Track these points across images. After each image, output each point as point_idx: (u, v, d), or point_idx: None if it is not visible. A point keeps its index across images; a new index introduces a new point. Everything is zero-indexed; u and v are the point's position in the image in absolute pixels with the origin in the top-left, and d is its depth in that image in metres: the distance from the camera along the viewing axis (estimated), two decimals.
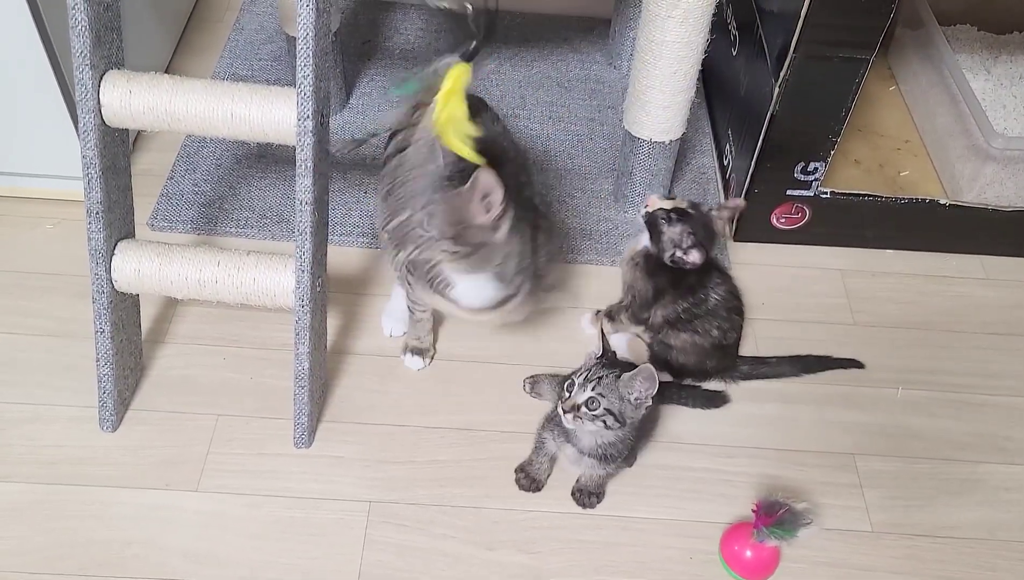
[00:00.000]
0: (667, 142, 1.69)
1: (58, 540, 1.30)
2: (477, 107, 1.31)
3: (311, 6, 1.14)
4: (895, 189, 1.84)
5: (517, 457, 1.42)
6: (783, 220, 1.77)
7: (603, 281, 1.68)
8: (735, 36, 1.87)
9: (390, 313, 1.58)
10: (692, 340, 1.49)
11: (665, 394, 1.45)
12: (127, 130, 1.29)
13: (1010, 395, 1.60)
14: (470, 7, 1.10)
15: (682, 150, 1.77)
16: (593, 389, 1.17)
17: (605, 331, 1.58)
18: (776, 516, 1.23)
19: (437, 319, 1.56)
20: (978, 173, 1.75)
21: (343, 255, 1.70)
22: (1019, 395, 1.60)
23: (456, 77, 1.13)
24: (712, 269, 1.49)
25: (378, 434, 1.46)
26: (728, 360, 1.54)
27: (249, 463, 1.40)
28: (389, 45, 2.13)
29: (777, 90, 1.57)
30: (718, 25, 1.58)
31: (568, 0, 2.25)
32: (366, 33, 2.14)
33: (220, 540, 1.32)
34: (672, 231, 1.43)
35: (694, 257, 1.41)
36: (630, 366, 1.20)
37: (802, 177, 1.69)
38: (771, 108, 1.59)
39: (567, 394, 1.19)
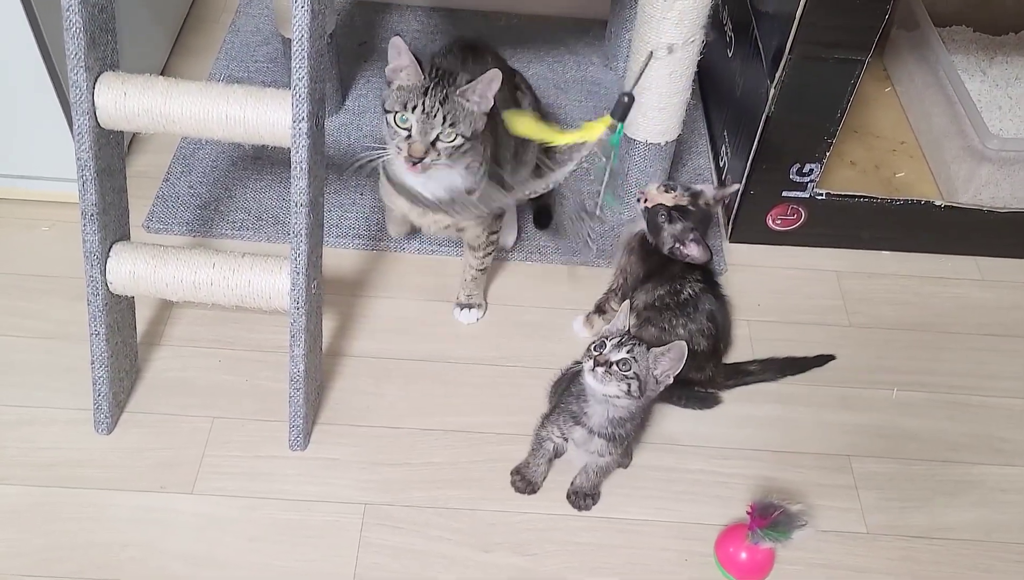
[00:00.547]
0: (663, 144, 1.69)
1: (55, 542, 1.30)
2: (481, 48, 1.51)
3: (306, 8, 1.14)
4: (891, 190, 1.84)
5: (513, 459, 1.42)
6: (779, 221, 1.77)
7: (598, 282, 1.67)
8: (731, 37, 1.87)
9: None
10: (658, 336, 1.45)
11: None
12: (122, 132, 1.29)
13: (1006, 396, 1.60)
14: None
15: (678, 151, 1.77)
16: (628, 352, 1.19)
17: (594, 329, 1.59)
18: (771, 518, 1.23)
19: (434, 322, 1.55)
20: (973, 174, 1.75)
21: (338, 257, 1.70)
22: (1015, 396, 1.60)
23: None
24: (700, 268, 1.49)
25: (373, 436, 1.46)
26: (697, 371, 1.49)
27: (245, 465, 1.40)
28: (385, 47, 2.11)
29: (773, 91, 1.57)
30: (714, 26, 1.58)
31: (564, 2, 2.24)
32: (362, 35, 2.14)
33: (216, 542, 1.32)
34: (673, 229, 1.45)
35: (692, 251, 1.42)
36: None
37: (798, 178, 1.69)
38: (767, 109, 1.60)
39: (597, 352, 1.20)
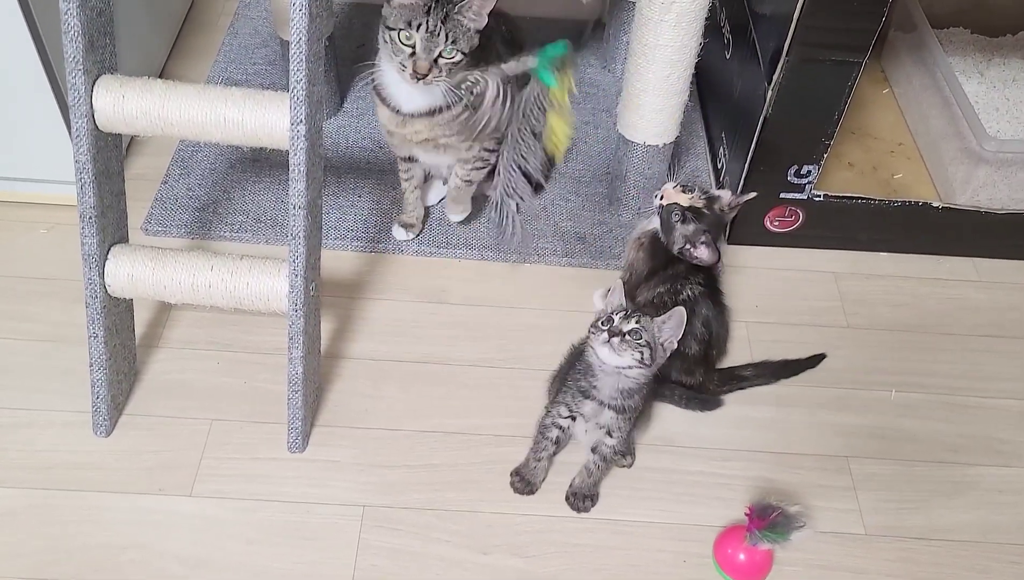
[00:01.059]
0: (661, 145, 1.69)
1: (53, 545, 1.30)
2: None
3: (304, 11, 1.14)
4: (888, 192, 1.84)
5: (511, 461, 1.42)
6: (777, 223, 1.77)
7: (598, 285, 1.68)
8: (728, 39, 1.87)
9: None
10: None
11: (659, 391, 1.46)
12: (120, 135, 1.29)
13: (1004, 397, 1.60)
14: None
15: (676, 153, 1.77)
16: (637, 322, 1.22)
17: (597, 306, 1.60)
18: (769, 519, 1.23)
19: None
20: (971, 176, 1.75)
21: (337, 259, 1.70)
22: (1013, 397, 1.60)
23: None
24: (705, 271, 1.49)
25: (372, 438, 1.46)
26: (687, 375, 1.50)
27: (243, 468, 1.40)
28: None
29: (770, 93, 1.57)
30: (712, 28, 1.58)
31: (562, 4, 2.25)
32: (360, 37, 2.13)
33: (215, 545, 1.32)
34: (686, 229, 1.45)
35: (702, 253, 1.43)
36: None
37: (795, 180, 1.70)
38: (764, 111, 1.60)
39: (607, 325, 1.23)
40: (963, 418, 1.57)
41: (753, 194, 1.55)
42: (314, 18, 1.16)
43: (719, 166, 1.89)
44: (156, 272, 1.30)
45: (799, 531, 1.23)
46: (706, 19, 1.53)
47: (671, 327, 1.23)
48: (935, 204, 1.75)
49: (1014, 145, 1.72)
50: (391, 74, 1.42)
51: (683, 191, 1.49)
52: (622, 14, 2.00)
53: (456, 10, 1.33)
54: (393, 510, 1.38)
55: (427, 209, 1.77)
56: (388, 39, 1.35)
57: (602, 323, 1.24)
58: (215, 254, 1.33)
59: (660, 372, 1.43)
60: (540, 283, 1.71)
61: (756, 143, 1.65)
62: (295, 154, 1.22)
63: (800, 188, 1.71)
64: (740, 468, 1.47)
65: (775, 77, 1.55)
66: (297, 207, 1.25)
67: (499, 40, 1.54)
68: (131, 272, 1.31)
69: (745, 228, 1.78)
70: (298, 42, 1.15)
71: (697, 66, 1.60)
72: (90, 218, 1.26)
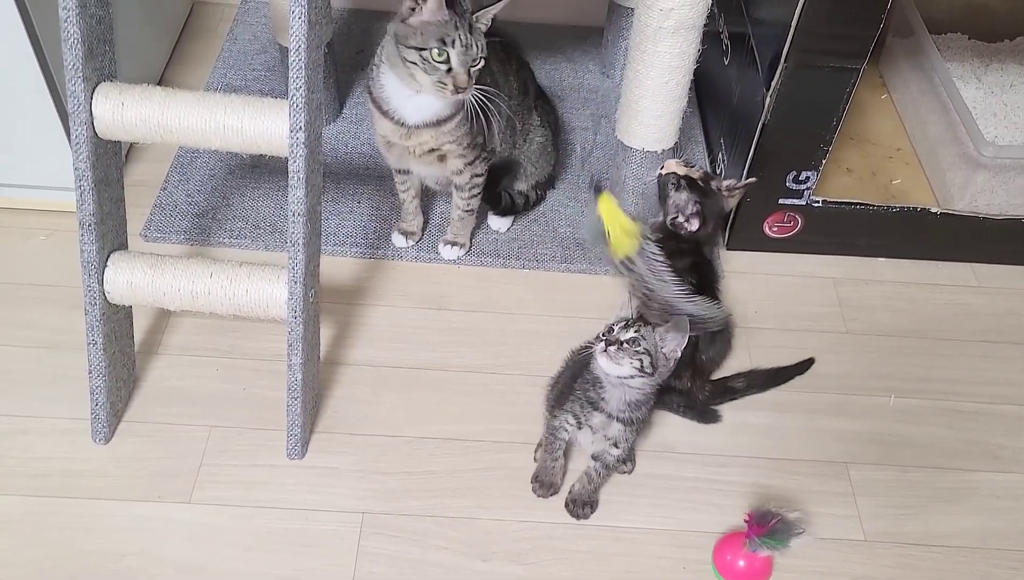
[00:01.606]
0: (660, 151, 1.69)
1: (51, 552, 1.30)
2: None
3: (303, 18, 1.14)
4: (887, 197, 1.84)
5: (511, 467, 1.42)
6: (775, 229, 1.77)
7: (598, 291, 1.68)
8: (727, 45, 1.87)
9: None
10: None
11: (659, 399, 1.46)
12: (120, 142, 1.29)
13: (1003, 403, 1.60)
14: None
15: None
16: (636, 331, 1.22)
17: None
18: (768, 526, 1.23)
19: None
20: (969, 181, 1.75)
21: (336, 265, 1.70)
22: (1012, 403, 1.60)
23: (606, 202, 1.28)
24: (700, 269, 1.49)
25: (371, 445, 1.46)
26: (675, 378, 1.45)
27: (242, 474, 1.40)
28: None
29: (769, 99, 1.58)
30: (710, 35, 1.59)
31: (561, 9, 2.25)
32: (359, 43, 2.14)
33: (214, 552, 1.32)
34: (679, 197, 1.46)
35: (693, 225, 1.43)
36: None
37: (794, 186, 1.70)
38: (763, 117, 1.60)
39: (606, 334, 1.23)
40: (962, 424, 1.57)
41: (753, 179, 1.56)
42: (313, 25, 1.16)
43: (718, 172, 1.89)
44: (155, 279, 1.30)
45: (798, 537, 1.23)
46: (704, 25, 1.53)
47: (674, 336, 1.22)
48: (933, 209, 1.75)
49: (1012, 150, 1.72)
50: (395, 87, 1.42)
51: (685, 165, 1.52)
52: (621, 20, 2.00)
53: (475, 19, 1.36)
54: (392, 517, 1.37)
55: (427, 216, 1.77)
56: (418, 59, 1.34)
57: (603, 334, 1.24)
58: (214, 261, 1.33)
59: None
60: (539, 289, 1.71)
61: (755, 149, 1.65)
62: (294, 161, 1.22)
63: (799, 194, 1.71)
64: (739, 474, 1.47)
65: (774, 83, 1.56)
66: (296, 214, 1.25)
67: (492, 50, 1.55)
68: (130, 279, 1.31)
69: (744, 234, 1.78)
70: (297, 49, 1.16)
71: (696, 72, 1.59)
72: (89, 225, 1.26)
